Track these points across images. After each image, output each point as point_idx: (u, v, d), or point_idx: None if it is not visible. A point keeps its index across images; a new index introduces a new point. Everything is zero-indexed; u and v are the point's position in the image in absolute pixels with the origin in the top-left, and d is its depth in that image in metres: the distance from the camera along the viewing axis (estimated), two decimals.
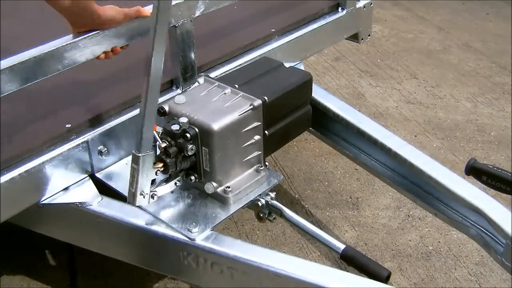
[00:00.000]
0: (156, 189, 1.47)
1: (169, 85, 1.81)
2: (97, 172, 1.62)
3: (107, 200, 1.56)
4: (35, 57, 1.39)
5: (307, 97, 1.81)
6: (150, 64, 1.27)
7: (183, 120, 1.46)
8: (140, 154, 1.34)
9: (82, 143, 1.56)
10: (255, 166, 1.64)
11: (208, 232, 1.47)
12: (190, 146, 1.47)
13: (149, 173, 1.38)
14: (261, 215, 1.60)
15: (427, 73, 3.66)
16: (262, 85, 1.69)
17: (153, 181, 1.46)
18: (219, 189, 1.55)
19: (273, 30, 2.12)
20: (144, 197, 1.40)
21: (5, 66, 1.34)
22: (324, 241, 1.55)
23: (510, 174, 1.65)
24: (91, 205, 1.54)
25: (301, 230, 1.59)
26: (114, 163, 1.66)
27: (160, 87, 1.31)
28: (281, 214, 1.59)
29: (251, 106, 1.56)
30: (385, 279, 1.42)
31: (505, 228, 1.55)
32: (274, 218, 1.61)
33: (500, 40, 4.13)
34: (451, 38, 4.16)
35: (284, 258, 1.47)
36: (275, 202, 1.60)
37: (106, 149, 1.61)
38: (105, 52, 1.53)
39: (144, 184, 1.39)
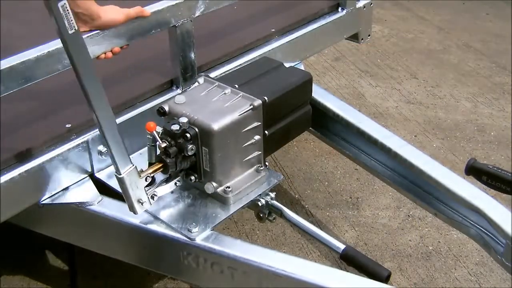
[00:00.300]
0: (156, 189, 1.47)
1: (169, 85, 1.81)
2: (97, 172, 1.62)
3: (107, 200, 1.56)
4: (35, 57, 1.39)
5: (307, 97, 1.81)
6: (84, 89, 1.22)
7: (183, 120, 1.46)
8: (122, 175, 1.32)
9: (82, 143, 1.56)
10: (255, 166, 1.64)
11: (208, 232, 1.47)
12: (190, 146, 1.47)
13: (138, 184, 1.37)
14: (261, 215, 1.60)
15: (427, 73, 3.66)
16: (262, 85, 1.69)
17: (153, 182, 1.46)
18: (219, 189, 1.55)
19: (273, 30, 2.12)
20: (143, 204, 1.40)
21: (5, 66, 1.34)
22: (324, 241, 1.55)
23: (510, 174, 1.65)
24: (91, 205, 1.54)
25: (301, 230, 1.59)
26: None
27: (108, 104, 1.27)
28: (281, 214, 1.59)
29: (251, 106, 1.56)
30: (385, 279, 1.42)
31: (505, 228, 1.55)
32: (274, 218, 1.61)
33: (500, 40, 4.13)
34: (451, 38, 4.16)
35: (284, 258, 1.47)
36: (275, 202, 1.60)
37: (106, 149, 1.61)
38: (105, 52, 1.53)
39: (138, 194, 1.38)
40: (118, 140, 1.30)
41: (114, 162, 1.31)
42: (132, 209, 1.39)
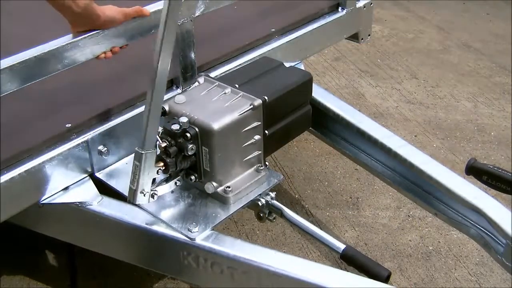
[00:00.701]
0: (156, 189, 1.47)
1: (169, 85, 1.80)
2: (97, 171, 1.62)
3: (107, 200, 1.56)
4: (35, 56, 1.39)
5: (307, 97, 1.81)
6: (158, 62, 1.27)
7: (183, 119, 1.46)
8: (143, 152, 1.35)
9: (82, 142, 1.55)
10: (255, 166, 1.64)
11: (208, 232, 1.47)
12: (190, 145, 1.47)
13: (150, 171, 1.39)
14: (261, 215, 1.60)
15: (427, 73, 3.66)
16: (262, 85, 1.69)
17: (153, 181, 1.46)
18: (219, 189, 1.55)
19: (273, 30, 2.12)
20: (144, 195, 1.41)
21: (5, 66, 1.34)
22: (324, 241, 1.55)
23: (510, 174, 1.64)
24: (91, 205, 1.54)
25: (301, 230, 1.59)
26: (114, 163, 1.66)
27: (166, 85, 1.31)
28: (281, 214, 1.59)
29: (251, 106, 1.56)
30: (385, 279, 1.42)
31: (505, 228, 1.55)
32: (274, 218, 1.61)
33: (500, 40, 4.13)
34: (451, 38, 4.16)
35: (284, 258, 1.47)
36: (275, 202, 1.60)
37: (106, 148, 1.61)
38: (105, 52, 1.53)
39: (145, 182, 1.39)
40: (158, 118, 1.33)
41: (143, 136, 1.33)
42: (132, 196, 1.39)
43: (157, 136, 1.43)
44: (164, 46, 1.27)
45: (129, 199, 1.43)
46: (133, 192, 1.40)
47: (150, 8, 1.59)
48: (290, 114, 1.74)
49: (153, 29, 1.61)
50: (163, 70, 1.29)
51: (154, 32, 1.62)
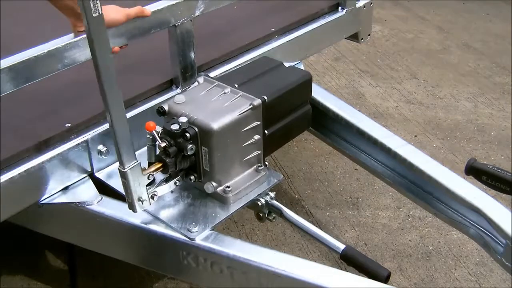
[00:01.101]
0: (156, 189, 1.47)
1: (168, 85, 1.80)
2: (97, 171, 1.62)
3: (106, 199, 1.56)
4: (35, 56, 1.39)
5: (307, 97, 1.81)
6: (100, 79, 1.21)
7: (183, 119, 1.45)
8: (125, 169, 1.31)
9: (81, 142, 1.56)
10: (255, 166, 1.64)
11: (207, 231, 1.47)
12: (190, 145, 1.47)
13: (140, 181, 1.36)
14: (261, 215, 1.60)
15: (427, 73, 3.66)
16: (262, 84, 1.69)
17: (152, 182, 1.46)
18: (219, 189, 1.55)
19: (273, 29, 2.12)
20: (143, 202, 1.40)
21: (5, 66, 1.34)
22: (323, 241, 1.55)
23: (510, 174, 1.64)
24: (91, 205, 1.54)
25: (301, 230, 1.59)
26: (114, 163, 1.66)
27: (121, 96, 1.25)
28: (281, 214, 1.59)
29: (251, 106, 1.55)
30: (385, 279, 1.42)
31: (505, 228, 1.55)
32: (274, 218, 1.61)
33: (500, 40, 4.13)
34: (451, 38, 4.16)
35: (284, 258, 1.46)
36: (275, 202, 1.60)
37: (105, 148, 1.61)
38: None
39: (139, 191, 1.37)
40: (126, 133, 1.28)
41: (119, 155, 1.29)
42: (131, 207, 1.39)
43: (157, 136, 1.43)
44: (101, 61, 1.20)
45: (129, 209, 1.42)
46: (131, 204, 1.39)
47: (150, 8, 1.59)
48: (290, 114, 1.74)
49: (153, 29, 1.61)
50: (110, 81, 1.22)
51: (154, 31, 1.62)
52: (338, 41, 2.51)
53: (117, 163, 1.65)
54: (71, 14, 1.43)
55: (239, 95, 1.59)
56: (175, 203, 1.56)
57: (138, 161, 1.34)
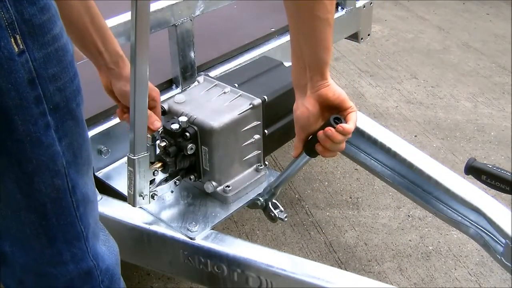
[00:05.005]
0: (156, 189, 1.47)
1: (168, 84, 1.81)
2: (97, 171, 1.62)
3: (106, 199, 1.56)
4: None
5: None
6: (135, 64, 1.21)
7: (183, 119, 1.45)
8: (135, 157, 1.31)
9: None
10: (254, 165, 1.64)
11: (208, 231, 1.47)
12: (190, 145, 1.47)
13: (146, 174, 1.36)
14: (272, 214, 1.59)
15: (427, 73, 3.66)
16: (262, 84, 1.69)
17: (152, 181, 1.46)
18: (219, 188, 1.55)
19: (273, 29, 2.12)
20: (143, 198, 1.39)
21: None
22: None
23: (510, 174, 1.64)
24: None
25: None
26: (114, 162, 1.66)
27: (147, 86, 1.26)
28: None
29: (251, 105, 1.55)
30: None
31: (505, 228, 1.54)
32: (286, 217, 1.60)
33: (500, 40, 4.13)
34: (451, 38, 4.16)
35: (284, 258, 1.46)
36: (274, 202, 1.60)
37: (106, 148, 1.61)
38: None
39: (142, 185, 1.37)
40: (144, 121, 1.28)
41: (132, 142, 1.28)
42: (131, 200, 1.38)
43: (157, 136, 1.43)
44: (139, 52, 1.18)
45: (129, 203, 1.42)
46: (131, 196, 1.39)
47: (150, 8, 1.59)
48: (289, 113, 1.73)
49: (153, 29, 1.61)
50: (142, 71, 1.21)
51: (153, 31, 1.62)
52: (338, 41, 2.51)
53: (117, 163, 1.67)
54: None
55: (239, 94, 1.59)
56: (175, 203, 1.56)
57: (148, 153, 1.33)
